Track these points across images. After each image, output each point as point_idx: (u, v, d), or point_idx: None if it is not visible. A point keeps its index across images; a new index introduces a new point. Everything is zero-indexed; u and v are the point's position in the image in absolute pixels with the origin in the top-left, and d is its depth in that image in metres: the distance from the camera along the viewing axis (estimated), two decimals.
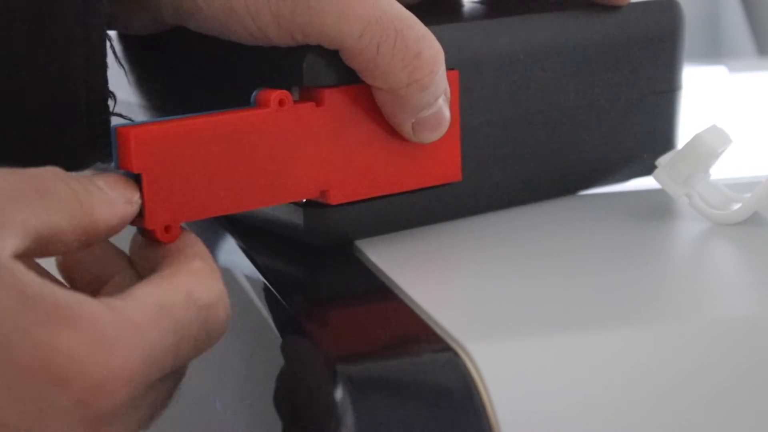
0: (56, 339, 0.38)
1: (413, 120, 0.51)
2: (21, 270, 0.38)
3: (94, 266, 0.45)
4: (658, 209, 0.58)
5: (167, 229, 0.46)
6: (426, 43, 0.50)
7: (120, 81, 0.57)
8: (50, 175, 0.41)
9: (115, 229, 0.43)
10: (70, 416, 0.38)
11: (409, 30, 0.49)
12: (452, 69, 0.53)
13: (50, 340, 0.38)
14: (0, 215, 0.39)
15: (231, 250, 0.55)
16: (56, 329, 0.38)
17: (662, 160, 0.57)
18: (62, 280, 0.45)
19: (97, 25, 0.48)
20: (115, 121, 0.50)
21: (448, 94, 0.52)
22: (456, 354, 0.42)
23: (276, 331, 0.47)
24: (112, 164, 0.46)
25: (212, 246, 0.58)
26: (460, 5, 0.60)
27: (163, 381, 0.42)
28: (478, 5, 0.60)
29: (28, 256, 0.40)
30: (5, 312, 0.37)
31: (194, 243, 0.45)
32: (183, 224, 0.47)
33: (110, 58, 0.50)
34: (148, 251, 0.45)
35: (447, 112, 0.52)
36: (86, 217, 0.42)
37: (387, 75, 0.50)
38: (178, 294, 0.41)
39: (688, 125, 0.62)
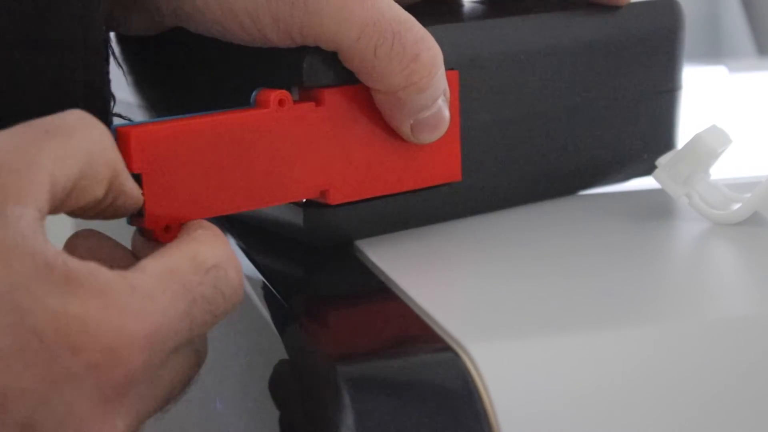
0: (69, 306, 0.38)
1: (411, 121, 0.51)
2: (36, 239, 0.39)
3: (102, 263, 0.45)
4: (658, 209, 0.58)
5: (167, 229, 0.46)
6: (424, 45, 0.50)
7: (120, 81, 0.57)
8: (74, 118, 0.41)
9: (129, 203, 0.44)
10: (84, 383, 0.39)
11: (407, 32, 0.49)
12: (452, 69, 0.53)
13: (63, 307, 0.38)
14: (20, 179, 0.39)
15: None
16: (69, 297, 0.38)
17: (662, 160, 0.57)
18: None
19: (96, 26, 0.48)
20: (115, 121, 0.50)
21: (448, 95, 0.52)
22: (456, 354, 0.42)
23: (276, 331, 0.47)
24: None
25: None
26: (460, 5, 0.60)
27: (180, 353, 0.42)
28: (478, 5, 0.60)
29: (57, 209, 0.41)
30: (19, 280, 0.38)
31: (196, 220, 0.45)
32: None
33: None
34: (151, 245, 0.46)
35: (446, 113, 0.52)
36: (111, 157, 0.42)
37: (384, 77, 0.50)
38: (183, 259, 0.42)
39: (688, 125, 0.62)
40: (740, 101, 0.93)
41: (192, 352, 0.43)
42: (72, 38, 0.48)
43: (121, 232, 0.47)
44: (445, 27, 0.54)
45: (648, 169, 0.61)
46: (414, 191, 0.54)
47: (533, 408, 0.42)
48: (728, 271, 0.52)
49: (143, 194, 0.45)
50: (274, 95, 0.49)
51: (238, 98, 0.50)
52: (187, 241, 0.43)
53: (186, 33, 0.52)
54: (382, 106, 0.51)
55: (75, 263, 0.39)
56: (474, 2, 0.61)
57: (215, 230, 0.44)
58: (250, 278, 0.52)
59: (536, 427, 0.41)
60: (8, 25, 0.47)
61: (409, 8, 0.51)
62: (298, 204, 0.53)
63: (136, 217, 0.46)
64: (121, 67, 0.57)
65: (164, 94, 0.59)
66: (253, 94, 0.49)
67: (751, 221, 0.55)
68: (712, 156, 0.56)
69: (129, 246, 0.47)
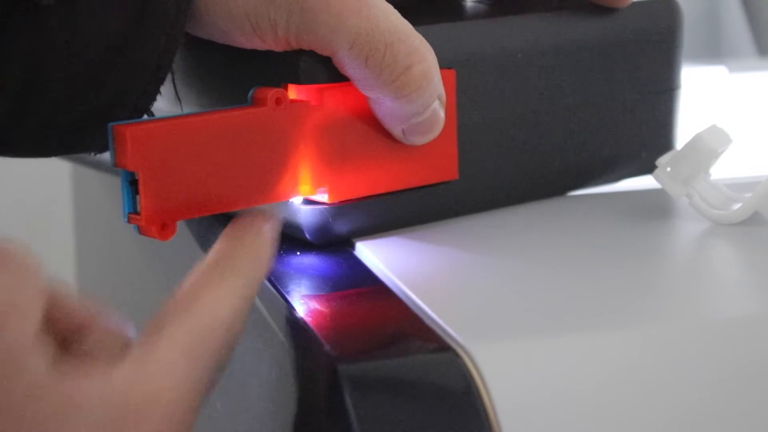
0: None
1: (403, 126, 0.52)
2: (34, 358, 0.37)
3: None
4: (658, 209, 0.58)
5: (164, 227, 0.46)
6: (416, 58, 0.50)
7: None
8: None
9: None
10: None
11: (400, 44, 0.50)
12: (449, 68, 0.53)
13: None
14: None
15: None
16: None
17: (662, 160, 0.57)
18: None
19: (180, 34, 0.49)
20: None
21: (443, 99, 0.52)
22: (456, 354, 0.42)
23: (276, 330, 0.47)
24: (110, 162, 0.46)
25: (212, 245, 0.58)
26: (459, 4, 0.60)
27: None
28: (477, 5, 0.60)
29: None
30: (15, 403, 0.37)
31: None
32: (180, 222, 0.47)
33: None
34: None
35: (441, 116, 0.52)
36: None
37: (374, 87, 0.50)
38: None
39: (688, 125, 0.62)
40: (740, 101, 0.93)
41: None
42: (158, 42, 0.49)
43: (122, 231, 0.47)
44: (443, 26, 0.54)
45: (647, 169, 0.61)
46: (412, 190, 0.54)
47: (533, 407, 0.41)
48: (728, 271, 0.52)
49: (140, 193, 0.45)
50: (272, 93, 0.49)
51: (235, 97, 0.50)
52: None
53: (186, 33, 0.52)
54: (374, 110, 0.51)
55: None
56: (474, 1, 0.61)
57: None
58: None
59: (536, 427, 0.41)
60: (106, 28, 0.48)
61: (409, 7, 0.51)
62: (296, 202, 0.53)
63: (133, 215, 0.46)
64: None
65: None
66: (251, 92, 0.49)
67: (751, 221, 0.54)
68: (713, 156, 0.55)
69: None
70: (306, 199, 0.52)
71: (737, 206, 0.55)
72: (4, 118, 0.48)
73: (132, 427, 0.38)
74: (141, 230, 0.47)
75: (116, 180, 0.48)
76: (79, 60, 0.48)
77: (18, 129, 0.49)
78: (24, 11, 0.47)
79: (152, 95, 0.50)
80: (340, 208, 0.52)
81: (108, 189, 0.82)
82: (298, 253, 0.53)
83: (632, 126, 0.60)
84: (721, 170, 0.58)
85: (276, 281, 0.50)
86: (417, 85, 0.50)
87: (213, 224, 0.57)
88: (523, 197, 0.58)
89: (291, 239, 0.54)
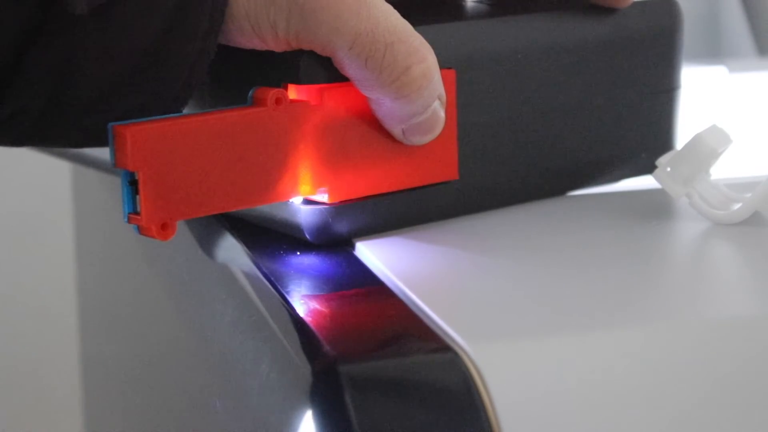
0: None
1: (403, 126, 0.52)
2: None
3: None
4: (658, 209, 0.58)
5: (164, 227, 0.46)
6: (417, 58, 0.50)
7: None
8: None
9: None
10: None
11: (400, 44, 0.50)
12: (449, 68, 0.53)
13: None
14: None
15: (231, 249, 0.55)
16: None
17: (662, 160, 0.57)
18: None
19: (213, 46, 0.49)
20: None
21: (444, 99, 0.52)
22: (456, 354, 0.42)
23: (276, 330, 0.47)
24: (110, 162, 0.46)
25: (212, 245, 0.58)
26: (459, 4, 0.60)
27: None
28: (478, 5, 0.60)
29: None
30: None
31: None
32: (180, 222, 0.47)
33: None
34: None
35: (441, 116, 0.52)
36: None
37: (374, 87, 0.50)
38: None
39: (688, 125, 0.62)
40: (740, 101, 0.93)
41: None
42: (173, 86, 0.49)
43: (122, 230, 0.47)
44: (443, 26, 0.54)
45: (647, 169, 0.60)
46: (412, 190, 0.54)
47: (533, 408, 0.41)
48: (728, 271, 0.52)
49: (140, 193, 0.45)
50: (271, 93, 0.49)
51: (235, 96, 0.50)
52: None
53: None
54: (374, 110, 0.51)
55: None
56: (474, 1, 0.61)
57: None
58: (250, 278, 0.52)
59: (536, 427, 0.41)
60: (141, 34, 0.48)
61: (409, 7, 0.51)
62: (296, 202, 0.53)
63: (133, 215, 0.46)
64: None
65: None
66: (250, 92, 0.49)
67: (751, 221, 0.54)
68: (713, 156, 0.55)
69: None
70: (306, 199, 0.52)
71: (737, 206, 0.55)
72: (39, 113, 0.49)
73: None
74: (141, 230, 0.47)
75: (116, 180, 0.48)
76: (111, 66, 0.48)
77: (52, 123, 0.49)
78: (58, 20, 0.47)
79: (185, 99, 0.50)
80: (340, 208, 0.52)
81: (108, 189, 0.82)
82: (298, 253, 0.53)
83: (632, 126, 0.60)
84: (721, 170, 0.58)
85: (276, 281, 0.50)
86: (417, 86, 0.50)
87: (213, 224, 0.57)
88: (523, 197, 0.58)
89: (291, 239, 0.54)
